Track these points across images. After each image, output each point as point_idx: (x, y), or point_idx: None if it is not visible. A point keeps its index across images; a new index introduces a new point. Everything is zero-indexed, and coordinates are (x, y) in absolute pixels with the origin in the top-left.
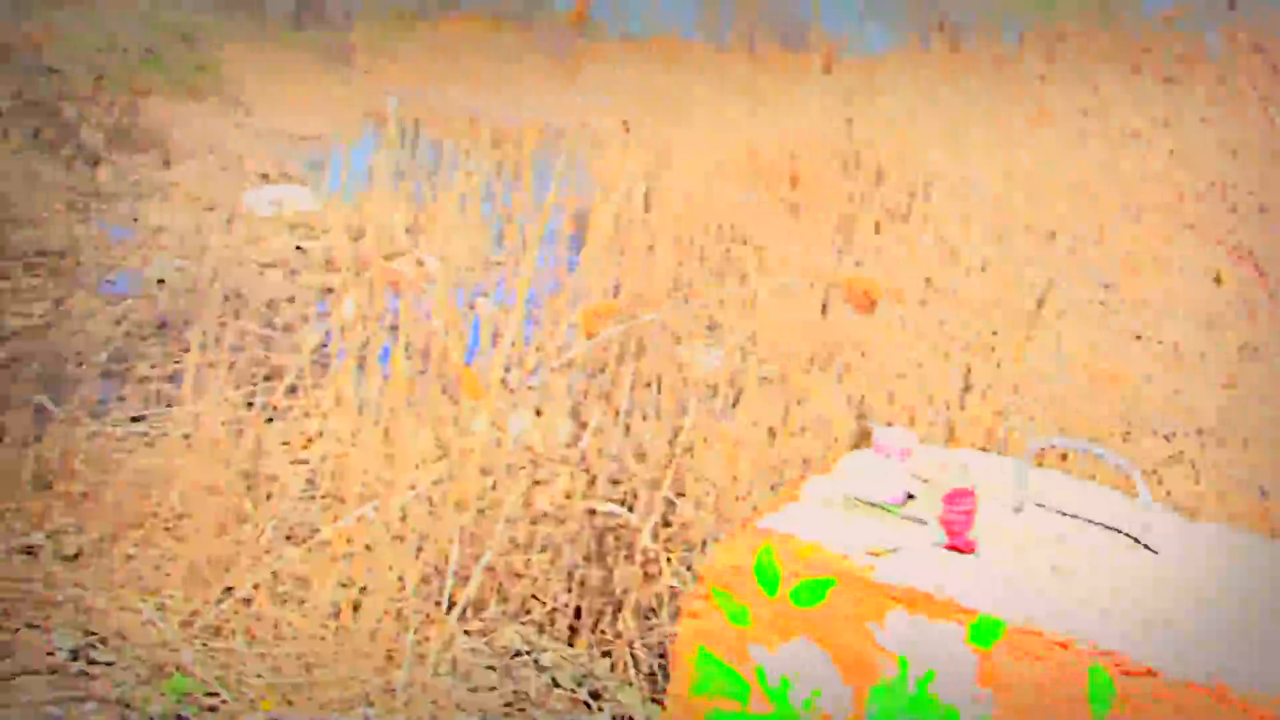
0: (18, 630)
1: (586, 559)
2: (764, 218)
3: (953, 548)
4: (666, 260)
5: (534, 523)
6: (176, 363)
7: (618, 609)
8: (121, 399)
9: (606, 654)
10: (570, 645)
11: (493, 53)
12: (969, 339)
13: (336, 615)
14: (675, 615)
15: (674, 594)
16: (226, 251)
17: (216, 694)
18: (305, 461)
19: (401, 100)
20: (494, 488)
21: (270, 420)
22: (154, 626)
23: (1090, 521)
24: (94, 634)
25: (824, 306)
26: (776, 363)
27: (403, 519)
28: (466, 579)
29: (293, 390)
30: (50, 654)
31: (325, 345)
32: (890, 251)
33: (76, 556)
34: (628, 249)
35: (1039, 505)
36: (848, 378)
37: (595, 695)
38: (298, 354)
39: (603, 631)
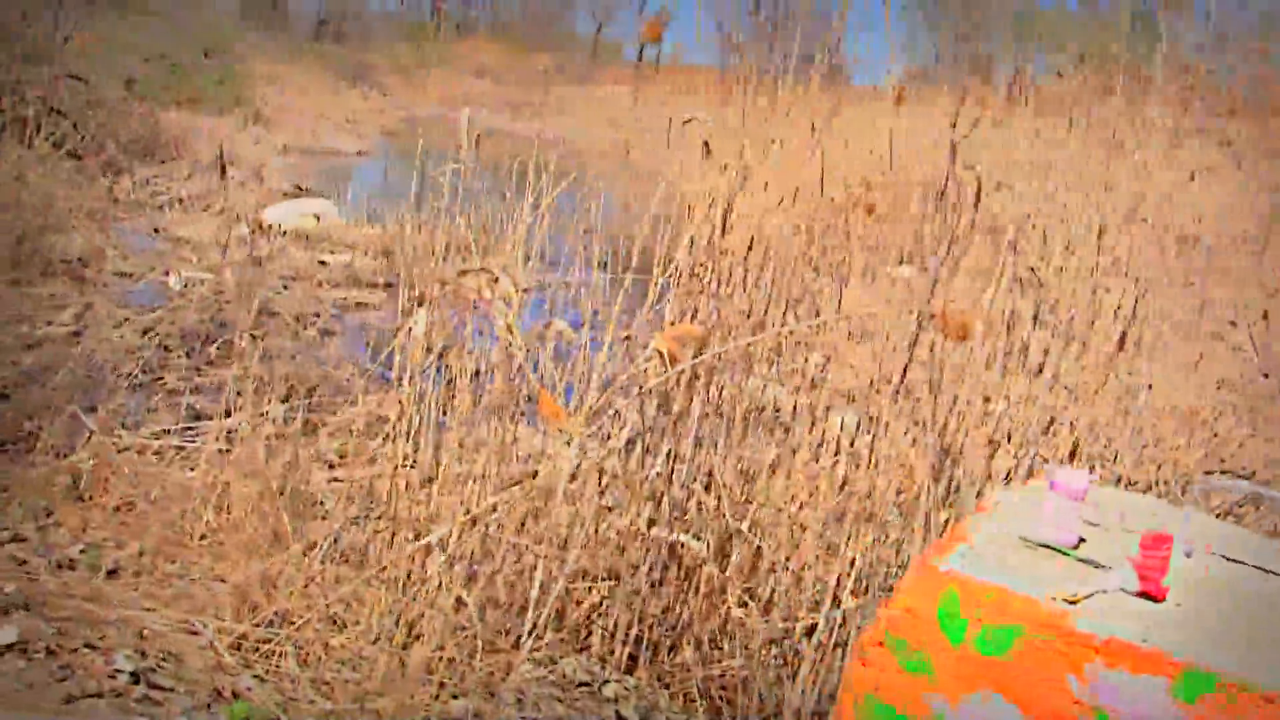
0: (75, 650)
1: (651, 587)
2: (840, 246)
3: (1145, 594)
4: (741, 287)
5: (597, 549)
6: (203, 375)
7: (679, 639)
8: (151, 410)
9: (666, 685)
10: (629, 674)
11: (511, 75)
12: (1050, 375)
13: (390, 641)
14: (742, 649)
15: (740, 625)
16: (250, 264)
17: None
18: (342, 480)
19: (423, 119)
20: (557, 513)
21: (307, 435)
22: (211, 649)
23: (1262, 569)
24: (151, 656)
25: (915, 337)
26: (853, 394)
27: (459, 542)
28: (525, 607)
29: (342, 406)
30: (111, 676)
31: (388, 362)
32: (966, 284)
33: (115, 572)
34: (701, 274)
35: (1205, 550)
36: (925, 410)
37: None
38: (330, 367)
39: (662, 662)
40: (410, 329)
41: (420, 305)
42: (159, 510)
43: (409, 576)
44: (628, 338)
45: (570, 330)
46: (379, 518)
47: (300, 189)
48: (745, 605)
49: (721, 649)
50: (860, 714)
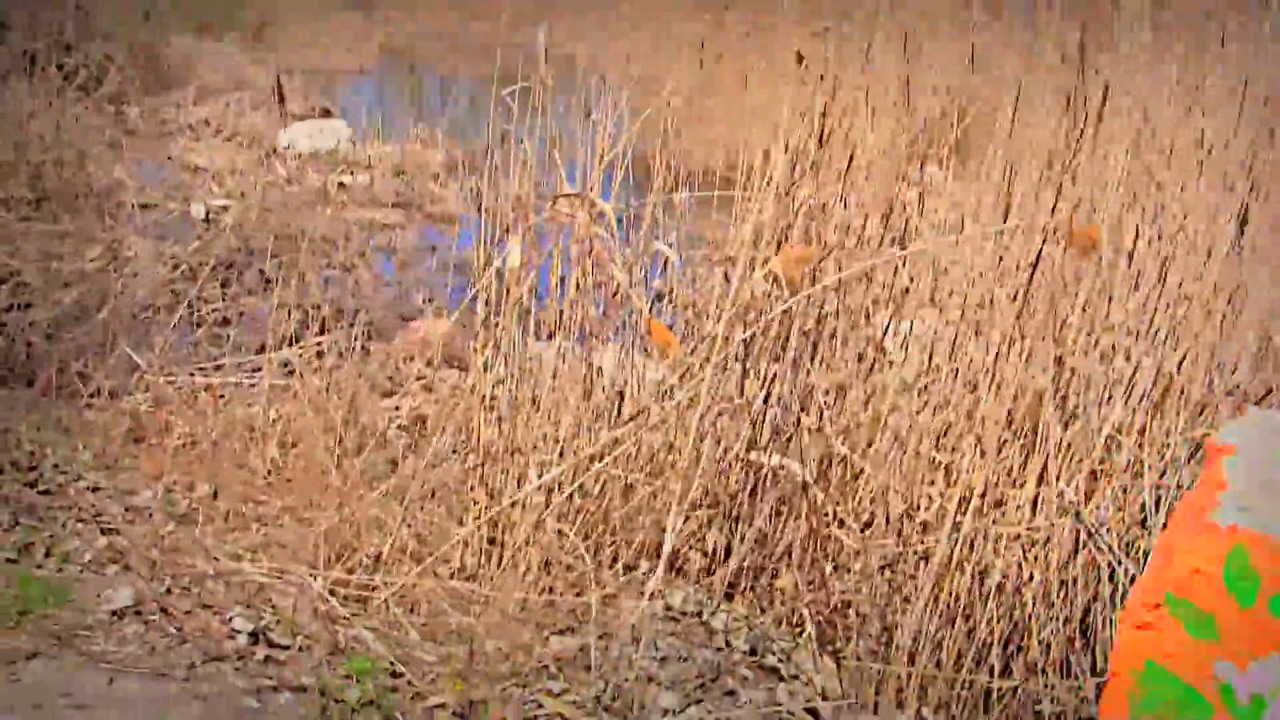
0: (189, 612)
1: (749, 512)
2: (933, 162)
3: None
4: (839, 202)
5: (698, 475)
6: (241, 305)
7: (780, 564)
8: (194, 344)
9: (763, 610)
10: (729, 599)
11: None
12: (1174, 283)
13: (491, 581)
14: (847, 572)
15: (840, 548)
16: (271, 189)
17: (400, 674)
18: (400, 409)
19: (430, 36)
20: (660, 442)
21: (367, 365)
22: (320, 600)
23: None
24: (260, 610)
25: (1037, 257)
26: (962, 315)
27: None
28: (629, 541)
29: (404, 333)
30: (230, 637)
31: (477, 294)
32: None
33: (193, 517)
34: (796, 192)
35: None
36: (1041, 323)
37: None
38: (375, 297)
39: (762, 588)
40: (504, 259)
41: (508, 233)
42: (222, 450)
43: (503, 515)
44: (729, 259)
45: (672, 252)
46: (469, 452)
47: (324, 110)
48: (842, 526)
49: (823, 573)
50: (1135, 680)
